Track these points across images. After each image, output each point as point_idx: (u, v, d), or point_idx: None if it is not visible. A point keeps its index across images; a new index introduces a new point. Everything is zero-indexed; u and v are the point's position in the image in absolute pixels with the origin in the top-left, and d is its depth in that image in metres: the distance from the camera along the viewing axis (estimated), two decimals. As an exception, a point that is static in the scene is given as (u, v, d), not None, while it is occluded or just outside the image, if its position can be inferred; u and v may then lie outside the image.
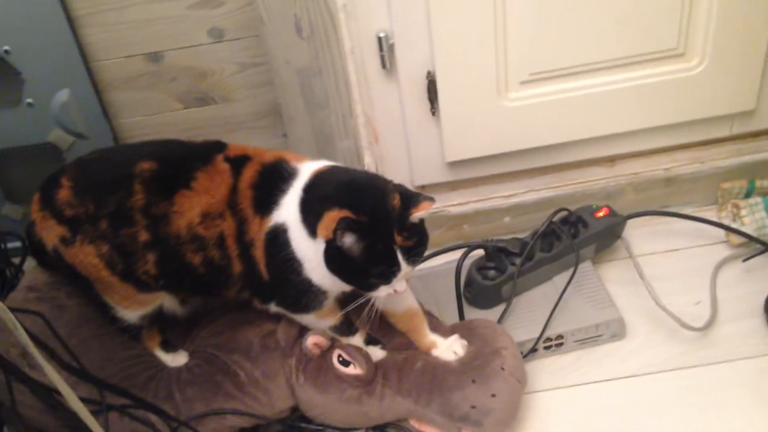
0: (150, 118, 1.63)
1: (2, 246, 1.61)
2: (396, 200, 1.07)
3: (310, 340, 1.24)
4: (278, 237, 1.12)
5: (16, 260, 1.63)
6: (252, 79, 1.59)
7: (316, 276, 1.13)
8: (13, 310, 0.86)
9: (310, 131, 1.56)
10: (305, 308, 1.20)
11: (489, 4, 1.41)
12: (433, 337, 1.30)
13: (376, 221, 1.06)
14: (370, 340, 1.30)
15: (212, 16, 1.50)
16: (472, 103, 1.53)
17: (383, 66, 1.50)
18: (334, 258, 1.07)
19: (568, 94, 1.53)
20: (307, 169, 1.14)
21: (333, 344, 1.27)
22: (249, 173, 1.15)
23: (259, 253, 1.14)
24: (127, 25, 1.50)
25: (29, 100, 1.56)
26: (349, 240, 1.03)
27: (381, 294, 1.12)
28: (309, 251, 1.10)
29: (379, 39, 1.46)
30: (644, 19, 1.44)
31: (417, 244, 1.09)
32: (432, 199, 1.09)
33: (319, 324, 1.26)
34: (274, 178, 1.14)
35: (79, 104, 1.57)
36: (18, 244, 1.64)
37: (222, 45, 1.54)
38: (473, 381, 1.22)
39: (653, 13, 1.44)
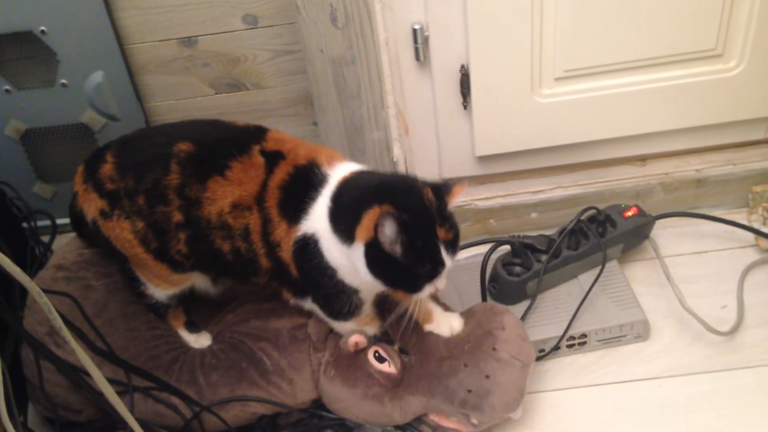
0: (181, 102, 1.64)
1: (32, 224, 1.63)
2: (430, 194, 1.06)
3: (353, 339, 1.23)
4: (308, 247, 1.11)
5: (46, 239, 1.65)
6: (284, 67, 1.59)
7: (349, 279, 1.13)
8: (43, 291, 0.87)
9: (341, 121, 1.56)
10: (340, 313, 1.20)
11: (527, 0, 1.40)
12: (430, 306, 1.28)
13: (418, 218, 1.04)
14: (400, 350, 1.30)
15: (247, 2, 1.50)
16: (505, 98, 1.52)
17: (417, 58, 1.50)
18: (378, 260, 1.04)
19: (603, 92, 1.52)
20: (335, 177, 1.13)
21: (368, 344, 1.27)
22: (280, 174, 1.14)
23: (286, 255, 1.14)
24: (162, 9, 1.50)
25: (63, 81, 1.58)
26: (388, 230, 1.00)
27: (424, 294, 1.11)
28: (342, 258, 1.09)
29: (414, 31, 1.46)
30: (683, 19, 1.43)
31: (455, 236, 1.09)
32: (462, 182, 1.08)
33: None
34: (304, 184, 1.13)
35: (113, 86, 1.58)
36: (47, 222, 1.66)
37: (256, 31, 1.54)
38: (465, 365, 1.21)
39: (692, 13, 1.42)
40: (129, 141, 1.24)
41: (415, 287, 1.09)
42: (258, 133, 1.19)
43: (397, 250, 1.03)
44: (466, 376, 1.20)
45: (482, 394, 1.19)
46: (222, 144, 1.16)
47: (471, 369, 1.20)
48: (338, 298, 1.16)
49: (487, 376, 1.19)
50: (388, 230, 1.00)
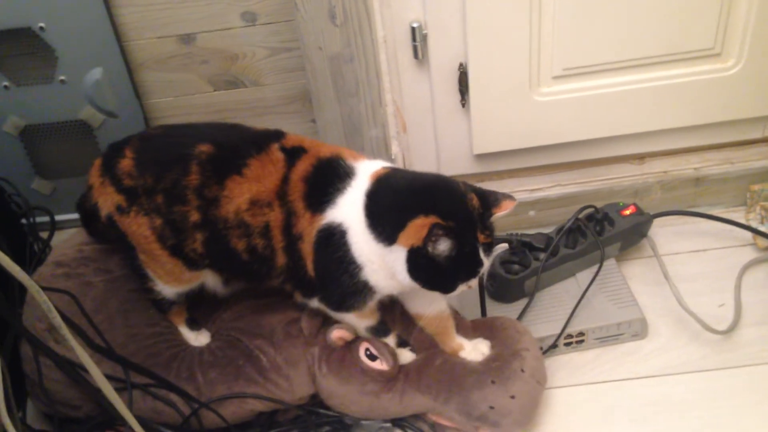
0: (180, 99, 1.64)
1: (31, 221, 1.63)
2: (474, 200, 1.07)
3: (336, 334, 1.24)
4: (333, 236, 1.10)
5: (44, 235, 1.65)
6: (283, 64, 1.58)
7: (375, 278, 1.12)
8: (43, 288, 0.87)
9: (339, 118, 1.56)
10: (349, 308, 1.20)
11: (525, -2, 1.40)
12: (459, 340, 1.30)
13: (462, 224, 1.05)
14: (400, 342, 1.30)
15: (246, -1, 1.50)
16: (503, 96, 1.52)
17: (415, 56, 1.50)
18: (421, 266, 1.05)
19: (601, 90, 1.52)
20: (364, 171, 1.13)
21: (358, 337, 1.27)
22: (303, 166, 1.14)
23: (306, 247, 1.14)
24: (161, 6, 1.50)
25: (62, 77, 1.57)
26: (443, 246, 1.02)
27: (457, 293, 1.12)
28: (373, 255, 1.09)
29: (413, 29, 1.46)
30: (681, 18, 1.43)
31: (493, 240, 1.10)
32: (513, 198, 1.10)
33: (358, 324, 1.26)
34: (329, 175, 1.13)
35: (111, 83, 1.58)
36: (46, 218, 1.66)
37: (254, 29, 1.53)
38: (493, 382, 1.22)
39: (691, 12, 1.42)
40: (149, 138, 1.24)
41: (451, 288, 1.10)
42: (278, 134, 1.20)
43: (443, 257, 1.04)
44: (492, 393, 1.21)
45: (504, 413, 1.20)
46: (241, 145, 1.16)
47: (498, 387, 1.22)
48: (352, 297, 1.16)
49: (512, 397, 1.21)
50: (440, 245, 1.02)
